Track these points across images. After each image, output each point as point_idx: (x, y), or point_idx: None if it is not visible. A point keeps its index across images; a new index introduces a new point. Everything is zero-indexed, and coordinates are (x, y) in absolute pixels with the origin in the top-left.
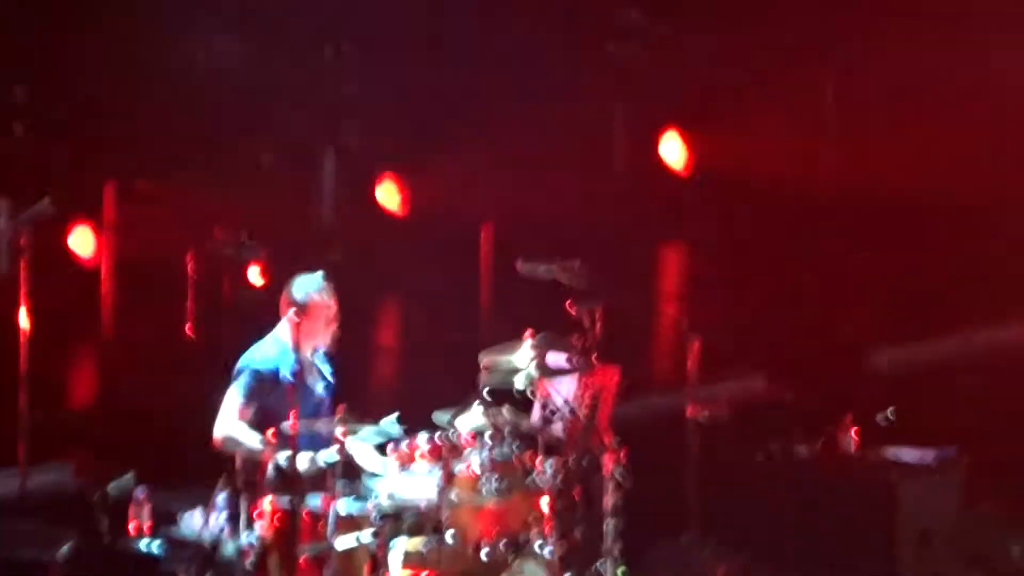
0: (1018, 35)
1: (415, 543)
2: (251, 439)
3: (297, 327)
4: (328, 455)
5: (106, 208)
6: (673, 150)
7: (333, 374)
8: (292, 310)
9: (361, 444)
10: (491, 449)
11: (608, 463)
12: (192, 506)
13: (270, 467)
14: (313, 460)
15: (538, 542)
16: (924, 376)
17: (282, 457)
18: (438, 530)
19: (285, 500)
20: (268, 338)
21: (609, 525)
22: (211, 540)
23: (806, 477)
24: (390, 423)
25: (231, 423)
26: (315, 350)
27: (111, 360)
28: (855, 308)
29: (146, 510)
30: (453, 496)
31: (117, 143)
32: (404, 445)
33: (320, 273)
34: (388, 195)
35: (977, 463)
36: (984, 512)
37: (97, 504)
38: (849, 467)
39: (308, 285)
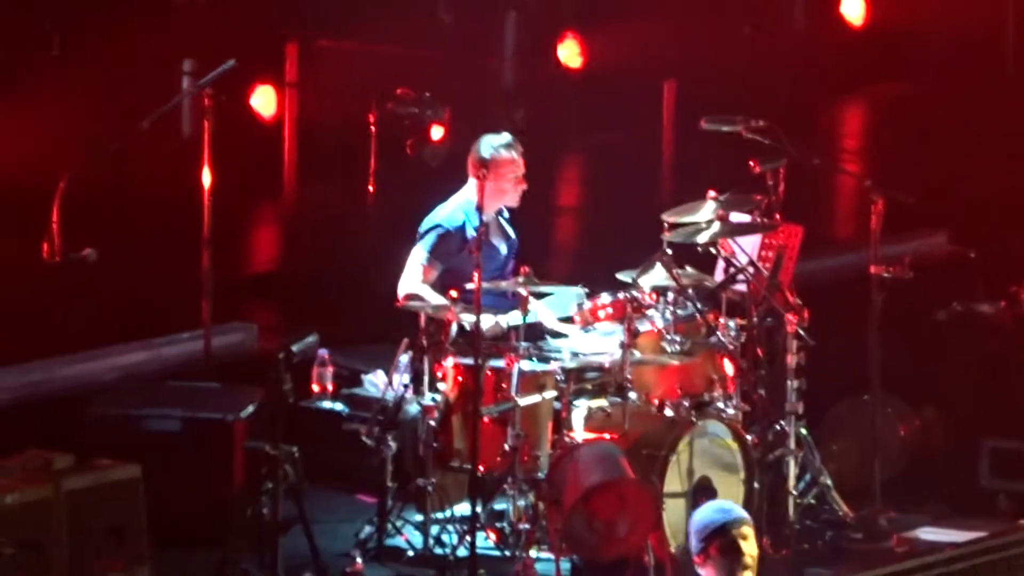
0: None
1: (598, 402)
2: (435, 298)
3: (483, 186)
4: (513, 318)
5: (288, 68)
6: (854, 5)
7: (517, 234)
8: (478, 168)
9: (544, 304)
10: (674, 308)
11: (791, 322)
12: (375, 367)
13: (454, 327)
14: (498, 323)
15: (720, 402)
16: None
17: (467, 319)
18: (621, 390)
19: (469, 360)
20: (454, 198)
21: (791, 385)
22: (394, 400)
23: (988, 336)
24: (577, 294)
25: (415, 282)
26: (500, 211)
27: (294, 220)
28: None
29: (329, 371)
30: (636, 355)
31: (299, 2)
32: (587, 305)
33: (506, 132)
34: (570, 53)
35: None
36: None
37: (280, 364)
38: None
39: (496, 142)
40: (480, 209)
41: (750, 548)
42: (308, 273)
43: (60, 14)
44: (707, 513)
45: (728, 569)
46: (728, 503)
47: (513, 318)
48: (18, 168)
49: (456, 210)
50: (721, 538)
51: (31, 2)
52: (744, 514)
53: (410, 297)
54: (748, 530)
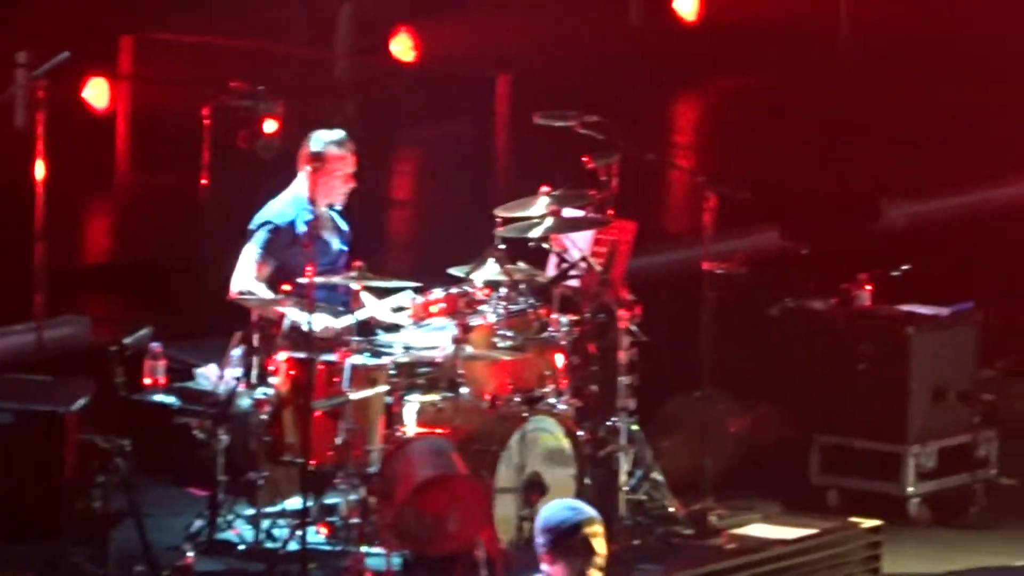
0: None
1: (430, 397)
2: (268, 295)
3: (314, 181)
4: (343, 321)
5: (122, 60)
6: (687, 1)
7: (350, 227)
8: (308, 163)
9: (375, 299)
10: (506, 303)
11: (623, 318)
12: (207, 361)
13: (286, 321)
14: (328, 327)
15: (552, 397)
16: (939, 232)
17: (301, 319)
18: (453, 385)
19: (301, 354)
20: (285, 193)
21: (623, 380)
22: (226, 393)
23: (820, 333)
24: (406, 296)
25: (248, 279)
26: (331, 206)
27: (127, 213)
28: (870, 162)
29: (161, 364)
30: (468, 350)
31: None
32: (419, 298)
33: (340, 129)
34: (403, 47)
35: (992, 319)
36: (998, 368)
37: (112, 357)
38: (863, 322)
39: (327, 138)
40: (312, 203)
41: (601, 547)
42: (141, 266)
43: None
44: (556, 511)
45: (579, 569)
46: (576, 501)
47: (343, 321)
48: None
49: (286, 205)
50: (572, 537)
51: None
52: (594, 513)
53: (242, 293)
54: (599, 528)
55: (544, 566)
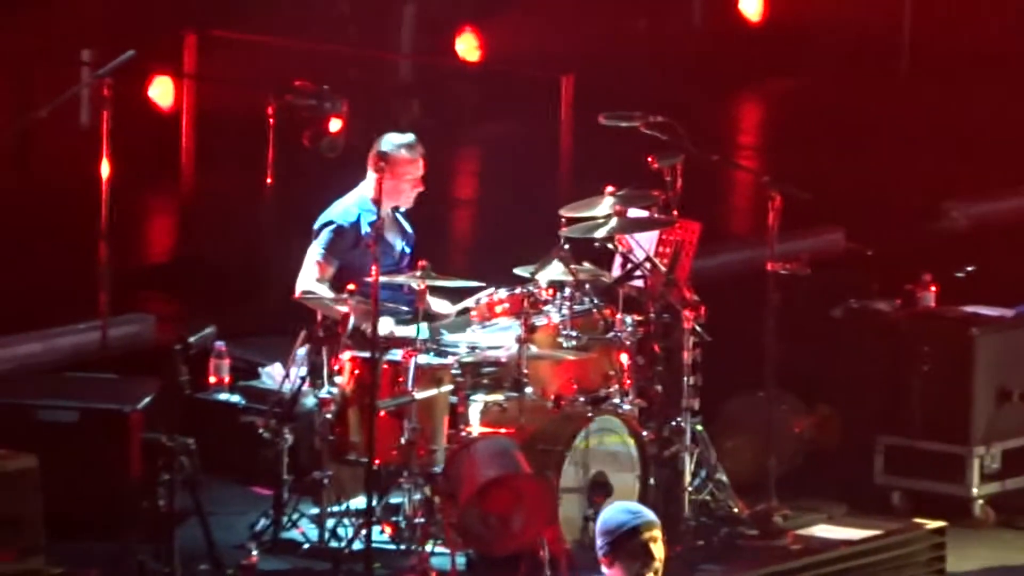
0: None
1: (495, 397)
2: (331, 294)
3: (382, 183)
4: (407, 329)
5: (186, 59)
6: (752, 2)
7: (414, 228)
8: (378, 164)
9: (441, 299)
10: (571, 303)
11: (688, 318)
12: (272, 359)
13: (351, 320)
14: (392, 332)
15: (617, 397)
16: (1003, 232)
17: (363, 321)
18: (517, 384)
19: (366, 353)
20: (350, 193)
21: (688, 381)
22: (291, 392)
23: (884, 334)
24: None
25: (311, 280)
26: (396, 208)
27: (192, 212)
28: (934, 163)
29: (226, 363)
30: (533, 350)
31: None
32: (484, 300)
33: (411, 133)
34: (468, 47)
35: None
36: None
37: (177, 356)
38: (927, 323)
39: (398, 141)
40: (377, 204)
41: (659, 551)
42: (206, 264)
43: None
44: (616, 514)
45: (636, 572)
46: (636, 505)
47: (407, 330)
48: None
49: (351, 206)
50: (631, 540)
51: None
52: (654, 516)
53: (306, 293)
54: (658, 533)
55: (603, 568)
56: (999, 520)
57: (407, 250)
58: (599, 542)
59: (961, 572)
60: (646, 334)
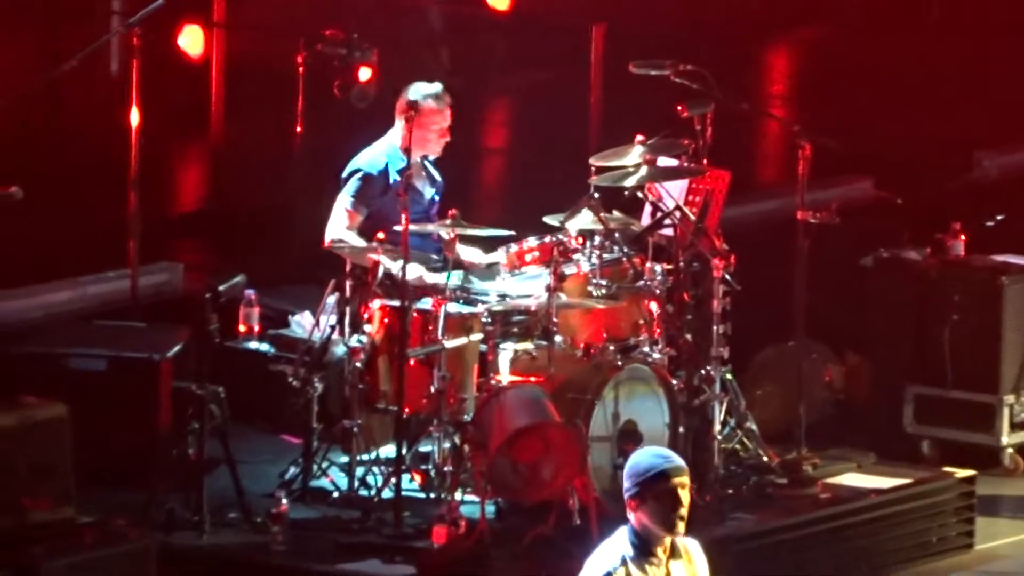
0: None
1: (524, 346)
2: (360, 242)
3: (410, 131)
4: (437, 277)
5: (216, 8)
6: None
7: (443, 176)
8: (406, 113)
9: (470, 247)
10: (601, 252)
11: (717, 267)
12: (302, 308)
13: (380, 268)
14: (421, 277)
15: (646, 346)
16: None
17: (394, 266)
18: (547, 333)
19: (395, 302)
20: (379, 142)
21: (717, 329)
22: (320, 341)
23: (914, 283)
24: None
25: (340, 228)
26: (425, 156)
27: (222, 160)
28: (965, 112)
29: (255, 311)
30: (562, 299)
31: None
32: (514, 248)
33: (438, 83)
34: None
35: None
36: None
37: (206, 305)
38: (957, 272)
39: (425, 90)
40: (406, 152)
41: (685, 497)
42: (235, 213)
43: None
44: (645, 458)
45: (663, 516)
46: (665, 450)
47: (437, 277)
48: None
49: (379, 154)
50: (659, 484)
51: None
52: (683, 463)
53: (335, 242)
54: (686, 479)
55: (629, 512)
56: None
57: (436, 198)
58: (626, 484)
59: (990, 520)
60: (676, 283)
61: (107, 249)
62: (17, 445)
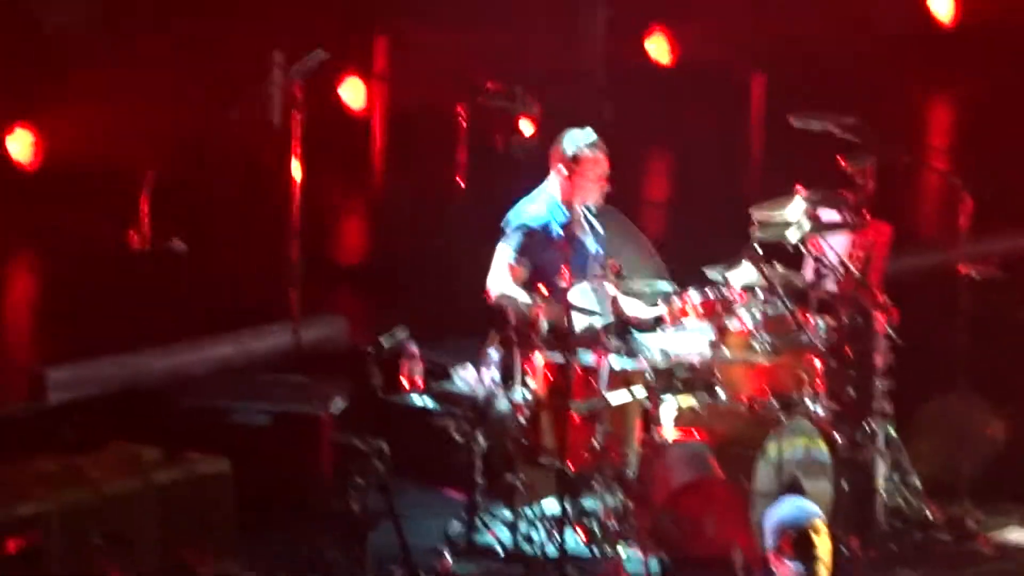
0: None
1: (687, 400)
2: (524, 297)
3: (567, 182)
4: (602, 319)
5: (377, 59)
6: (944, 2)
7: (604, 230)
8: (561, 164)
9: (633, 301)
10: (763, 305)
11: (880, 321)
12: (461, 361)
13: (543, 323)
14: (589, 324)
15: (809, 400)
16: None
17: (556, 314)
18: (710, 388)
19: (558, 356)
20: (536, 193)
21: (880, 384)
22: (484, 395)
23: None
24: (663, 283)
25: (503, 279)
26: (585, 205)
27: (383, 212)
28: None
29: (418, 365)
30: (725, 353)
31: None
32: (676, 301)
33: (590, 129)
34: (658, 47)
35: None
36: None
37: (370, 358)
38: None
39: (578, 139)
40: (567, 205)
41: (823, 543)
42: (397, 265)
43: (153, 3)
44: (785, 511)
45: (802, 565)
46: (800, 500)
47: (599, 320)
48: (108, 156)
49: (539, 206)
50: (794, 534)
51: None
52: (816, 509)
53: (499, 295)
54: (821, 525)
55: (772, 566)
56: None
57: (598, 250)
58: (768, 539)
59: None
60: (838, 337)
61: (270, 302)
62: (181, 499)
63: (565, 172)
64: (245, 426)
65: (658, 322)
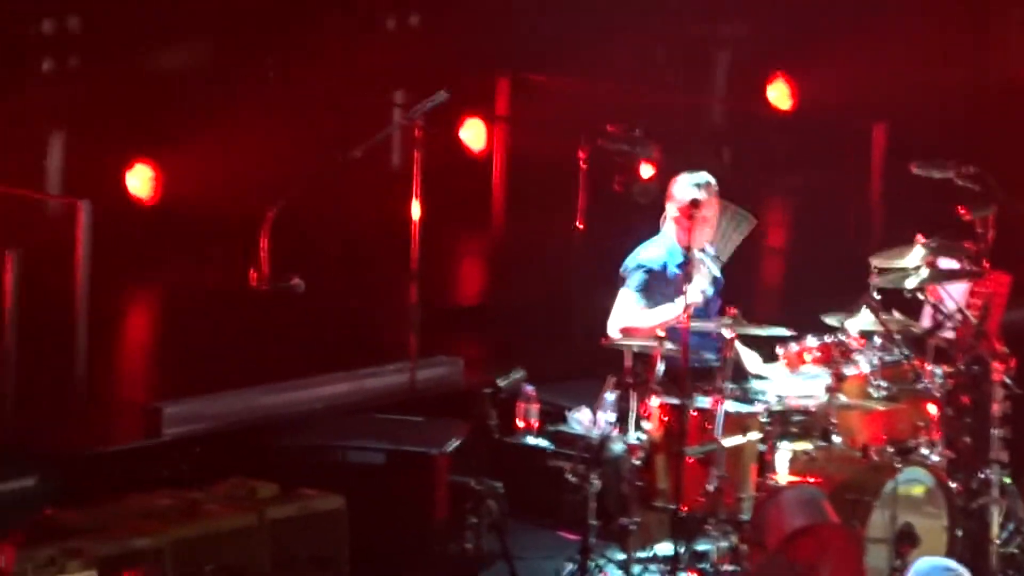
0: None
1: (803, 445)
2: (654, 319)
3: (683, 226)
4: (719, 363)
5: (498, 101)
6: None
7: (722, 274)
8: (679, 209)
9: (751, 354)
10: (881, 353)
11: (997, 370)
12: (577, 403)
13: (659, 365)
14: (706, 367)
15: (924, 447)
16: None
17: (673, 357)
18: (826, 433)
19: (674, 399)
20: (656, 237)
21: (996, 433)
22: (599, 438)
23: None
24: (780, 329)
25: (627, 321)
26: (702, 249)
27: (502, 255)
28: None
29: (534, 406)
30: (842, 399)
31: (510, 36)
32: (793, 347)
33: (704, 172)
34: (780, 94)
35: None
36: None
37: (486, 400)
38: None
39: (692, 181)
40: (686, 248)
41: None
42: (515, 308)
43: (274, 43)
44: (930, 569)
45: None
46: (950, 561)
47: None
48: (227, 196)
49: (658, 249)
50: None
51: (248, 33)
52: (967, 573)
53: (626, 331)
54: None
55: None
56: None
57: (716, 295)
58: None
59: None
60: (955, 385)
61: (387, 342)
62: (296, 536)
63: (681, 216)
64: (360, 464)
65: (774, 367)
